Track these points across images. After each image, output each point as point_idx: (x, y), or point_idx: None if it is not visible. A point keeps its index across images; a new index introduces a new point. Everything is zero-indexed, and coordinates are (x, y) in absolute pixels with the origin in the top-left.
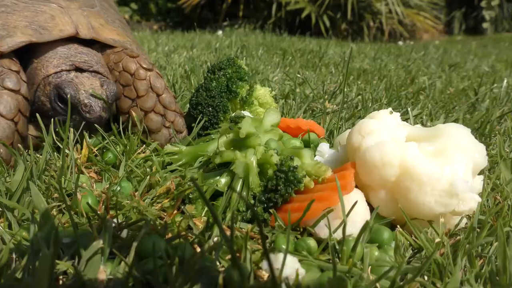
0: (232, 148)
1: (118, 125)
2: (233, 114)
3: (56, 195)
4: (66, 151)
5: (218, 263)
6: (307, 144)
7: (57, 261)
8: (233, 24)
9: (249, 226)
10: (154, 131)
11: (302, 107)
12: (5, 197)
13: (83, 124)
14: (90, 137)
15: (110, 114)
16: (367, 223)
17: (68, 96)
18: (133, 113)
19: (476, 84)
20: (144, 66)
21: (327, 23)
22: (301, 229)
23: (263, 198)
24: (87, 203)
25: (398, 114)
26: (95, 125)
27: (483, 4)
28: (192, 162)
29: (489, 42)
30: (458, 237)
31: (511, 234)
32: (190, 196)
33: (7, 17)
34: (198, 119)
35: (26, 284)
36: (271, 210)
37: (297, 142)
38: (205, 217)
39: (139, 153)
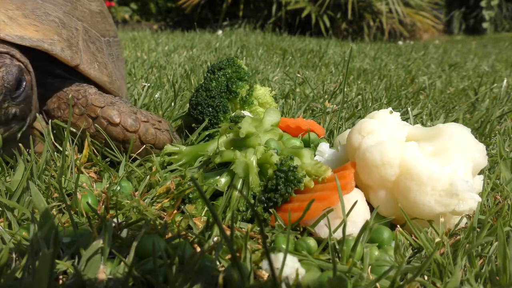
0: (232, 148)
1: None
2: (233, 114)
3: (56, 194)
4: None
5: (218, 263)
6: (307, 144)
7: (57, 261)
8: (233, 24)
9: (249, 225)
10: None
11: (302, 107)
12: (5, 197)
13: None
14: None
15: (26, 107)
16: (367, 222)
17: None
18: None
19: (476, 84)
20: (131, 129)
21: (327, 23)
22: (301, 229)
23: (263, 197)
24: (87, 203)
25: (398, 114)
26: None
27: (482, 4)
28: (192, 162)
29: (489, 42)
30: (458, 237)
31: (511, 234)
32: (190, 196)
33: None
34: (200, 121)
35: (26, 284)
36: (271, 210)
37: (297, 142)
38: (205, 217)
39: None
